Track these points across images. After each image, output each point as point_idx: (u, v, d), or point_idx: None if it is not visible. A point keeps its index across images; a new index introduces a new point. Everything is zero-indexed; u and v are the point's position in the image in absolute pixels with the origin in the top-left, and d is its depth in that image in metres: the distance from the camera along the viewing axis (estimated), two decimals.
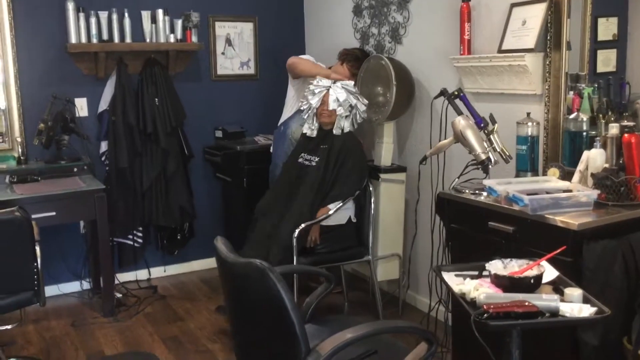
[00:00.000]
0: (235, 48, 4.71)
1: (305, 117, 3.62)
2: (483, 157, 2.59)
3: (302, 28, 4.92)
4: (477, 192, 2.61)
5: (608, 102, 2.64)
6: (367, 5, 4.12)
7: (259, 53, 4.79)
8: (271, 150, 4.12)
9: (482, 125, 2.67)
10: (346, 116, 3.54)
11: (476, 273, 1.96)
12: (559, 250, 1.98)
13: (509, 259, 1.93)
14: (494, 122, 2.69)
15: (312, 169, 3.54)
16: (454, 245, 2.72)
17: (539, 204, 2.27)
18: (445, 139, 2.86)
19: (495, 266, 1.89)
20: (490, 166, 2.64)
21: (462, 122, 2.62)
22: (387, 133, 3.76)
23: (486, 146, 2.61)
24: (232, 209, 4.65)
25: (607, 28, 2.78)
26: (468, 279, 1.92)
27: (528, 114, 2.79)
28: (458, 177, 2.73)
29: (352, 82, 3.61)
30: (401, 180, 3.73)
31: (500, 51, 3.02)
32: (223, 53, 4.68)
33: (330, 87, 3.53)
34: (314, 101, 3.54)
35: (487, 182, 2.52)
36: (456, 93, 2.72)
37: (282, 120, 4.05)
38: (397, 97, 3.55)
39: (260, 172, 4.26)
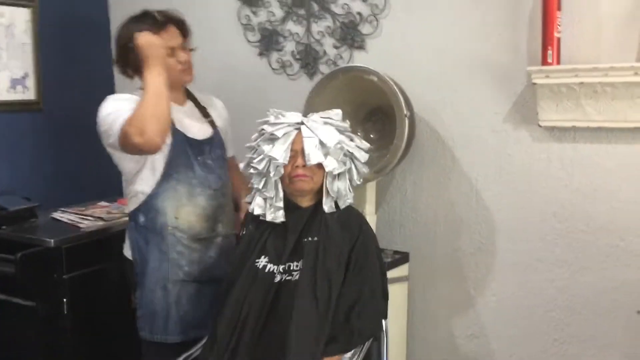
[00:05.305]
0: (0, 54, 2.53)
1: (260, 186, 1.83)
2: None
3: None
4: None
5: None
6: None
7: (43, 62, 2.67)
8: (125, 253, 2.03)
9: None
10: (339, 174, 1.86)
11: None
12: None
13: None
14: None
15: (296, 287, 1.75)
16: None
17: None
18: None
19: None
20: None
21: None
22: (370, 199, 2.21)
23: None
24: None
25: None
26: None
27: None
28: None
29: (338, 112, 1.93)
30: (404, 276, 2.22)
31: None
32: None
33: (302, 122, 1.83)
34: (279, 152, 1.78)
35: None
36: None
37: (135, 203, 1.96)
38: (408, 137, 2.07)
39: (90, 281, 2.32)
